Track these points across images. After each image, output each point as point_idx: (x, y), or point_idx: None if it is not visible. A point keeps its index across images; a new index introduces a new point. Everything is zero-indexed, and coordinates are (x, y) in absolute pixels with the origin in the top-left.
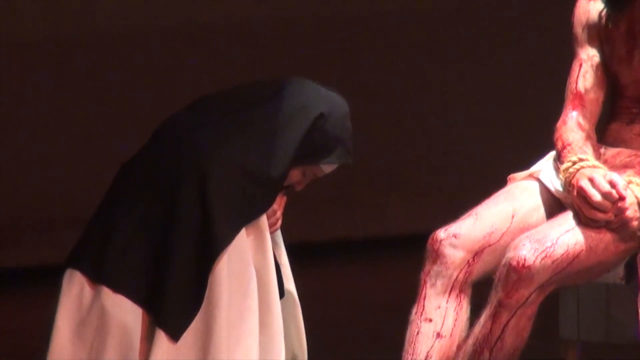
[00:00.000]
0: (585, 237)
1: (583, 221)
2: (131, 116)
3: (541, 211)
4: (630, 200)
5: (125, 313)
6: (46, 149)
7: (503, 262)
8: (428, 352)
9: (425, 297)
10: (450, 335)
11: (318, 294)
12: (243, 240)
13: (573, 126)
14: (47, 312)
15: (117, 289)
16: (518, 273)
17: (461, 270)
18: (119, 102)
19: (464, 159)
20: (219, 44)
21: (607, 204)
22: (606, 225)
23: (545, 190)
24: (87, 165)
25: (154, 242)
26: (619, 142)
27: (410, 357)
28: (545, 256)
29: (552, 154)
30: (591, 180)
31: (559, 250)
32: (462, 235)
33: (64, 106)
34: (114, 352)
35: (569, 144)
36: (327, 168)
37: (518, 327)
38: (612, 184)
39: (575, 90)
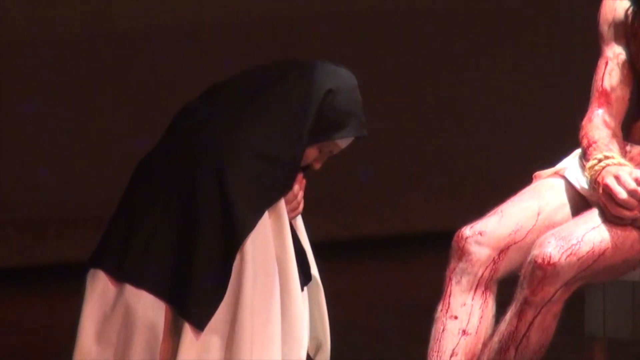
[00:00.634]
0: (611, 235)
1: (609, 219)
2: (154, 113)
3: (567, 209)
4: None
5: (150, 308)
6: (72, 148)
7: (528, 260)
8: (454, 349)
9: (450, 294)
10: (476, 332)
11: (344, 292)
12: (265, 225)
13: (599, 124)
14: (74, 310)
15: (140, 284)
16: (543, 270)
17: (487, 267)
18: (142, 100)
19: (489, 156)
20: (233, 41)
21: (633, 201)
22: (632, 223)
23: (570, 188)
24: (113, 163)
25: (175, 235)
26: None
27: (435, 355)
28: (571, 254)
29: (578, 151)
30: (617, 178)
31: (585, 248)
32: (488, 233)
33: (94, 104)
34: (140, 349)
35: (595, 142)
36: (343, 143)
37: (543, 325)
38: (638, 182)
39: (601, 88)
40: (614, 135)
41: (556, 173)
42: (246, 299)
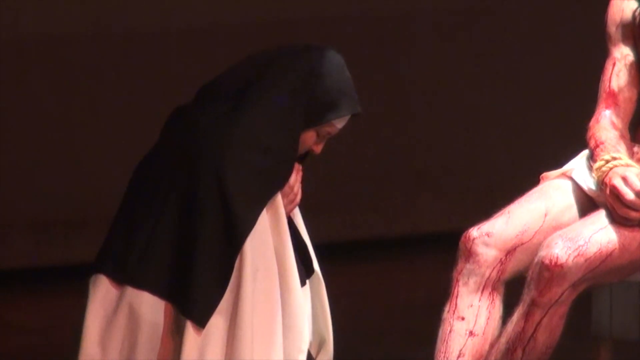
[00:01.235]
0: (618, 236)
1: (616, 220)
2: (160, 114)
3: (574, 210)
4: None
5: (152, 310)
6: (77, 149)
7: (536, 261)
8: (461, 350)
9: (457, 295)
10: (483, 333)
11: (351, 292)
12: (263, 220)
13: (606, 125)
14: (80, 311)
15: (141, 286)
16: (551, 271)
17: (494, 268)
18: (149, 101)
19: (496, 157)
20: (233, 43)
21: None
22: (639, 224)
23: (578, 189)
24: (118, 165)
25: (175, 234)
26: None
27: (442, 356)
28: (578, 254)
29: (585, 152)
30: (624, 179)
31: (592, 249)
32: (495, 234)
33: (96, 107)
34: (144, 350)
35: (602, 143)
36: (339, 123)
37: (550, 326)
38: None
39: (608, 89)
40: (622, 136)
41: (563, 174)
42: (246, 294)
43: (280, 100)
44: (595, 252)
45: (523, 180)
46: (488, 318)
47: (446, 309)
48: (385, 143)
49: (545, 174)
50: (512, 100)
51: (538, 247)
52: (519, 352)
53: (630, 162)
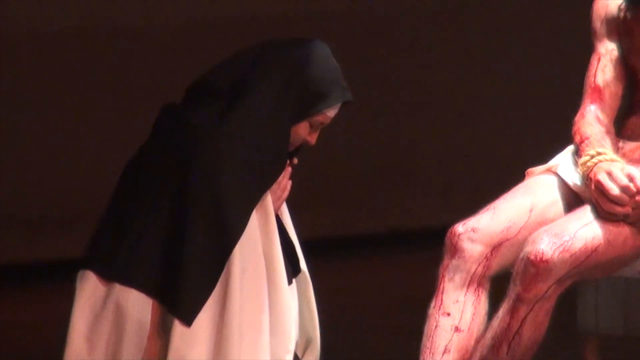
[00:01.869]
0: (604, 231)
1: (601, 215)
2: (152, 112)
3: (559, 205)
4: None
5: (139, 307)
6: (68, 145)
7: (521, 256)
8: (446, 345)
9: (443, 291)
10: (469, 329)
11: (338, 288)
12: (252, 219)
13: (591, 120)
14: (69, 308)
15: (129, 283)
16: (536, 267)
17: (479, 264)
18: (140, 98)
19: (482, 153)
20: (230, 39)
21: (625, 197)
22: (624, 219)
23: (563, 184)
24: (109, 161)
25: (165, 233)
26: (637, 136)
27: (428, 351)
28: (563, 250)
29: (571, 147)
30: (609, 174)
31: (577, 244)
32: (481, 230)
33: (90, 102)
34: (131, 347)
35: (587, 138)
36: (331, 112)
37: (536, 321)
38: (630, 178)
39: (593, 84)
40: (607, 131)
41: (549, 170)
42: (234, 293)
43: (269, 96)
44: (581, 248)
45: (509, 176)
46: (473, 314)
47: (432, 304)
48: (372, 139)
49: (530, 170)
50: (497, 96)
51: (523, 242)
52: (505, 347)
53: (615, 157)
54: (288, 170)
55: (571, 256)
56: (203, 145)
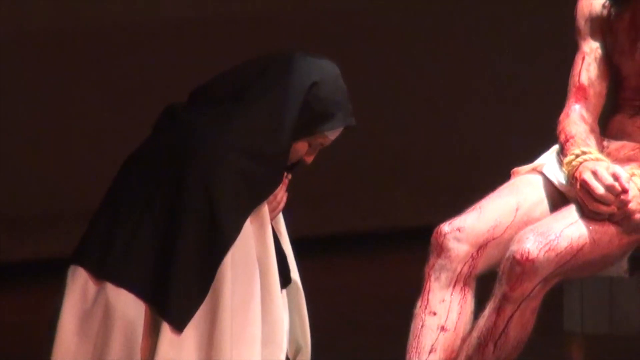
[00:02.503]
0: (589, 230)
1: (587, 214)
2: (143, 110)
3: (545, 204)
4: (633, 192)
5: (129, 307)
6: (52, 144)
7: (507, 256)
8: (432, 345)
9: (429, 290)
10: (455, 328)
11: (324, 287)
12: (247, 228)
13: (576, 119)
14: (52, 306)
15: (120, 283)
16: (522, 266)
17: (465, 263)
18: (131, 96)
19: (469, 153)
20: (228, 37)
21: (611, 196)
22: (610, 218)
23: (549, 184)
24: (96, 159)
25: (158, 235)
26: (622, 135)
27: (414, 351)
28: (549, 249)
29: (556, 147)
30: (594, 173)
31: (563, 243)
32: (467, 229)
33: (74, 99)
34: (118, 345)
35: (572, 137)
36: (332, 134)
37: (522, 320)
38: (615, 177)
39: (578, 83)
40: (592, 130)
41: (534, 169)
42: (226, 300)
43: (274, 108)
44: (566, 247)
45: (494, 176)
46: (460, 313)
47: (418, 304)
48: (359, 138)
49: (516, 169)
50: (484, 96)
51: (509, 242)
52: (491, 346)
53: (600, 156)
54: (285, 182)
55: (557, 255)
56: (201, 151)
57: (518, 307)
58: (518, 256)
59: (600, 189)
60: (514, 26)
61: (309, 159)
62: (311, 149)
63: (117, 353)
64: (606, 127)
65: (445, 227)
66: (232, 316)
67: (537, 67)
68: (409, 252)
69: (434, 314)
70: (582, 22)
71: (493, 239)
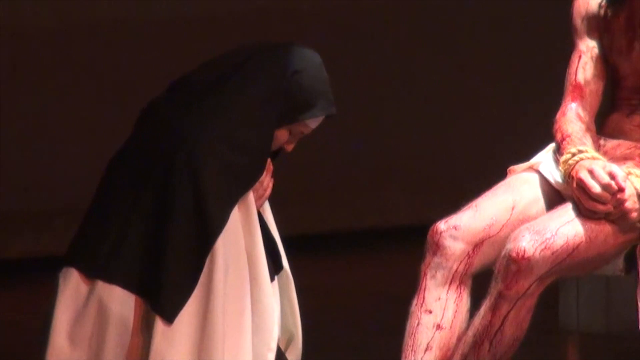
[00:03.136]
0: (585, 229)
1: (583, 213)
2: (134, 108)
3: (541, 203)
4: (629, 191)
5: (122, 305)
6: (44, 141)
7: (503, 254)
8: (428, 343)
9: (425, 288)
10: (450, 326)
11: (318, 285)
12: (234, 217)
13: (572, 117)
14: (44, 305)
15: (112, 280)
16: (518, 264)
17: (461, 262)
18: (125, 94)
19: (465, 151)
20: (218, 35)
21: (607, 195)
22: (606, 217)
23: (545, 182)
24: (87, 157)
25: (147, 229)
26: (618, 134)
27: (410, 349)
28: (545, 247)
29: (552, 145)
30: (590, 172)
31: (559, 242)
32: (462, 227)
33: (68, 97)
34: (113, 345)
35: (569, 136)
36: (313, 123)
37: (518, 319)
38: (612, 176)
39: (574, 82)
40: (588, 129)
41: (531, 167)
42: (217, 291)
43: (256, 97)
44: (562, 245)
45: (490, 174)
46: (455, 311)
47: (414, 302)
48: (353, 137)
49: (512, 168)
50: (479, 93)
51: (505, 240)
52: (486, 345)
53: (596, 155)
54: (270, 168)
55: (553, 254)
56: (185, 144)
57: (514, 305)
58: (514, 254)
59: (596, 188)
60: (509, 23)
61: (290, 147)
62: (292, 137)
63: (111, 352)
64: (603, 125)
65: (441, 225)
66: (224, 306)
67: (533, 64)
68: (404, 250)
69: (430, 312)
70: (578, 21)
71: (489, 237)
